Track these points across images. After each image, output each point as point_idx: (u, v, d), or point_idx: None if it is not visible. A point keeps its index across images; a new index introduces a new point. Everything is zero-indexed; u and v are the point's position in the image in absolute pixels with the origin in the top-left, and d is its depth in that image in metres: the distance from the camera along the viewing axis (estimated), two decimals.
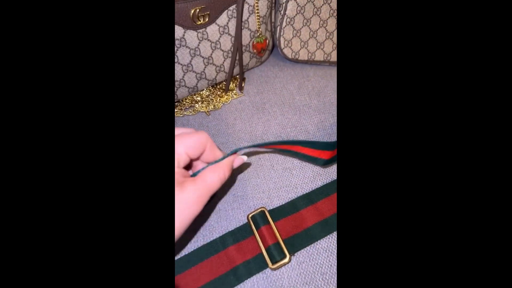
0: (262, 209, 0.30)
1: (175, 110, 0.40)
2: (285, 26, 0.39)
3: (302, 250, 0.28)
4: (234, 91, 0.42)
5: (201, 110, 0.40)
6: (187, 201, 0.20)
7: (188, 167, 0.26)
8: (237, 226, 0.30)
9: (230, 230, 0.29)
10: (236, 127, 0.38)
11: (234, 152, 0.26)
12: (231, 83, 0.42)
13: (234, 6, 0.34)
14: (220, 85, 0.42)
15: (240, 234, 0.29)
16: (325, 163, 0.32)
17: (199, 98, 0.41)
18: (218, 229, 0.30)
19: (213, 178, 0.23)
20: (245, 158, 0.27)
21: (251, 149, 0.33)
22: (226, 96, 0.41)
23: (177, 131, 0.24)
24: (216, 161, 0.24)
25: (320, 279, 0.27)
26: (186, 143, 0.22)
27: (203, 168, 0.24)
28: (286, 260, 0.27)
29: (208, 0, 0.32)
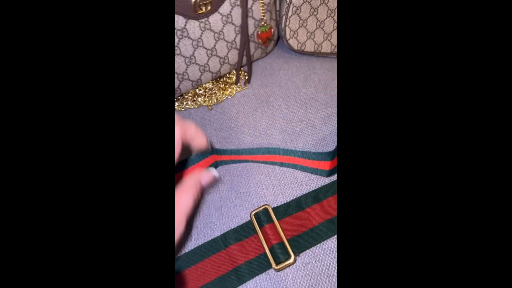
0: (266, 206, 0.28)
1: (176, 103, 0.39)
2: (291, 15, 0.37)
3: (307, 251, 0.27)
4: (238, 84, 0.40)
5: (204, 104, 0.39)
6: None
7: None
8: (240, 224, 0.28)
9: (232, 228, 0.28)
10: (239, 121, 0.36)
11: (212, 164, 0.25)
12: (235, 75, 0.41)
13: None
14: (224, 78, 0.41)
15: (243, 232, 0.28)
16: (330, 174, 0.30)
17: (202, 92, 0.40)
18: (219, 227, 0.28)
19: (187, 200, 0.22)
20: (213, 171, 0.25)
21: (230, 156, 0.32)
22: (230, 90, 0.40)
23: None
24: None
25: (327, 281, 0.25)
26: (179, 129, 0.22)
27: None
28: (291, 260, 0.25)
29: None
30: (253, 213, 0.28)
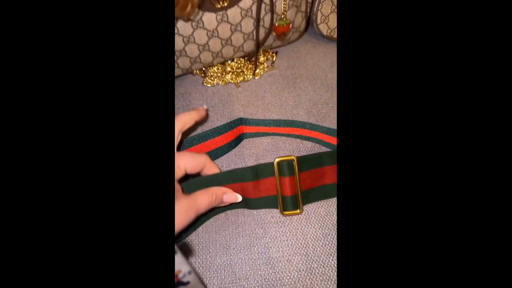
0: (293, 158, 0.27)
1: (205, 79, 0.40)
2: (324, 0, 0.38)
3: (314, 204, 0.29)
4: (265, 64, 0.41)
5: (231, 81, 0.40)
6: (178, 212, 0.21)
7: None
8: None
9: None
10: (266, 100, 0.38)
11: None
12: (262, 56, 0.42)
13: None
14: (253, 58, 0.42)
15: (261, 172, 0.28)
16: None
17: (229, 69, 0.41)
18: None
19: (203, 199, 0.24)
20: (239, 197, 0.27)
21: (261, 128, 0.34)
22: (257, 70, 0.41)
23: (180, 119, 0.26)
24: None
25: (328, 229, 0.27)
26: (187, 159, 0.24)
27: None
28: (298, 211, 0.28)
29: None
30: (277, 160, 0.28)
